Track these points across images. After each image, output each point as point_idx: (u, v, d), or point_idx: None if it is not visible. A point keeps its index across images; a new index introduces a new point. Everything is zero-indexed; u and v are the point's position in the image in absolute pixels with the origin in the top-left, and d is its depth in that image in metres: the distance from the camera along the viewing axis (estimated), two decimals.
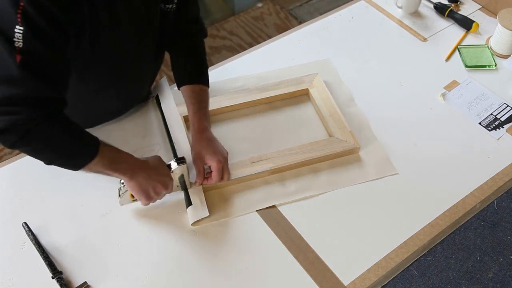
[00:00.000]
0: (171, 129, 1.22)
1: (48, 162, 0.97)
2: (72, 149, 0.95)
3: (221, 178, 1.11)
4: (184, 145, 1.18)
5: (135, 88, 1.25)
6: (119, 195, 1.08)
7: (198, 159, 1.11)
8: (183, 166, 1.09)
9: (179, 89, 1.21)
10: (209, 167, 1.11)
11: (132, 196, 1.09)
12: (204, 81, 1.20)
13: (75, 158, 0.96)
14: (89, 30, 0.96)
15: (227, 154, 1.13)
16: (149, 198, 1.05)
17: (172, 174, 1.08)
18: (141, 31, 1.09)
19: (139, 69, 1.19)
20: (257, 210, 1.10)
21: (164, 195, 1.09)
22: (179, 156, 1.15)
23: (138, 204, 1.11)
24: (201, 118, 1.15)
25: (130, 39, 1.07)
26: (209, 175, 1.11)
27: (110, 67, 1.09)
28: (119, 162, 1.00)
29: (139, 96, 1.30)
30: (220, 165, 1.10)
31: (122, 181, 1.06)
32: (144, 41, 1.12)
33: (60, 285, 0.98)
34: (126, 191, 1.07)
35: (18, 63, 0.84)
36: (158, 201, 1.10)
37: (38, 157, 0.96)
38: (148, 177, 1.03)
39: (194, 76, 1.20)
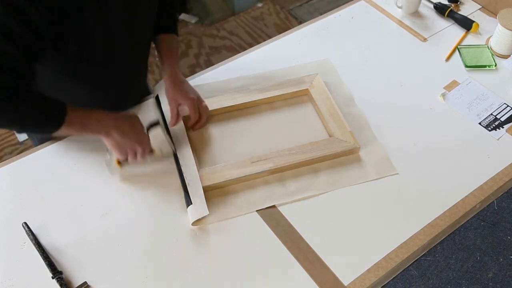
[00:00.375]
0: (171, 129, 1.22)
1: (18, 132, 1.01)
2: (37, 121, 0.99)
3: (200, 117, 1.21)
4: (184, 145, 1.18)
5: (131, 81, 1.26)
6: (106, 164, 1.12)
7: (172, 101, 1.19)
8: (157, 130, 1.11)
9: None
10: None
11: (119, 163, 1.12)
12: (175, 30, 1.27)
13: (42, 128, 1.00)
14: (75, 27, 0.96)
15: (199, 95, 1.22)
16: (125, 154, 1.08)
17: (151, 139, 1.12)
18: (131, 21, 1.09)
19: (132, 60, 1.20)
20: (257, 210, 1.10)
21: (142, 154, 1.10)
22: (177, 154, 1.16)
23: (138, 203, 1.11)
24: (172, 63, 1.22)
25: (121, 31, 1.07)
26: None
27: (102, 62, 1.09)
28: (90, 124, 1.03)
29: (136, 89, 1.31)
30: (194, 102, 1.19)
31: (108, 150, 1.10)
32: (134, 31, 1.12)
33: (60, 285, 0.98)
34: (112, 157, 1.11)
35: None
36: (155, 201, 1.10)
37: (8, 129, 1.00)
38: (122, 134, 1.05)
39: (167, 26, 1.26)
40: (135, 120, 1.10)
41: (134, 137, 1.08)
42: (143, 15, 1.11)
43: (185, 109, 1.22)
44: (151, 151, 1.14)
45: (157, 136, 1.11)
